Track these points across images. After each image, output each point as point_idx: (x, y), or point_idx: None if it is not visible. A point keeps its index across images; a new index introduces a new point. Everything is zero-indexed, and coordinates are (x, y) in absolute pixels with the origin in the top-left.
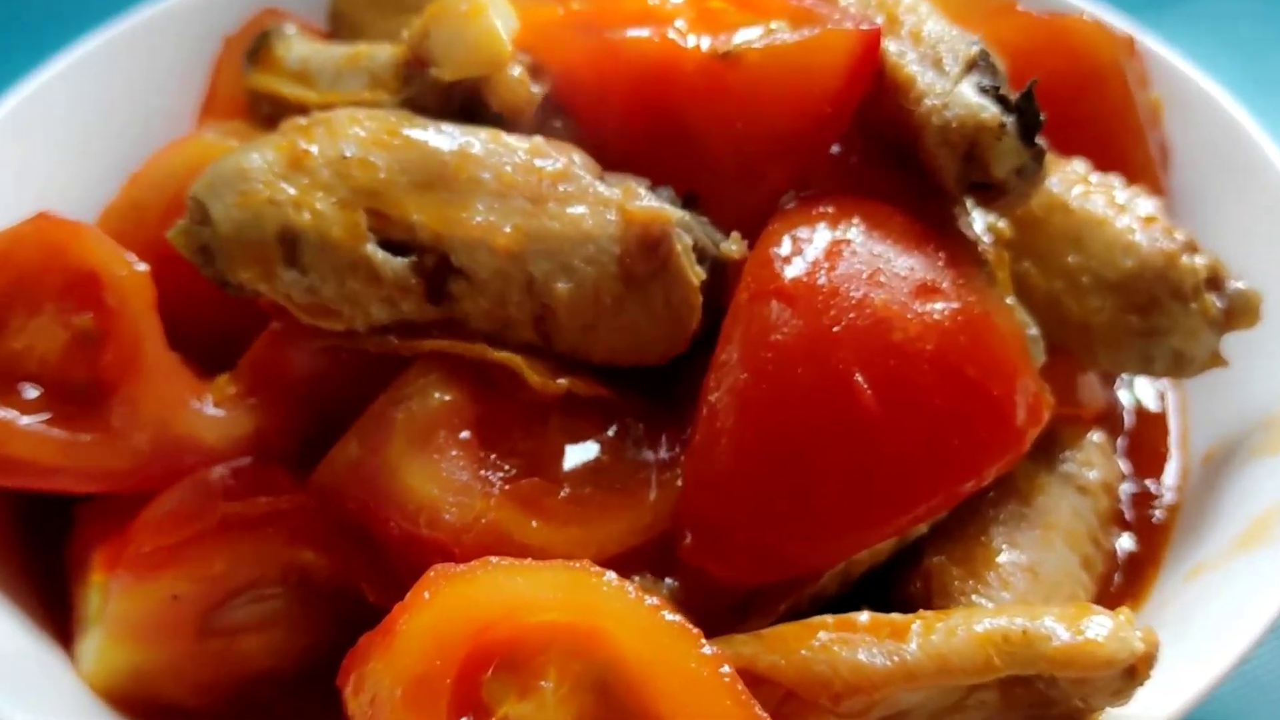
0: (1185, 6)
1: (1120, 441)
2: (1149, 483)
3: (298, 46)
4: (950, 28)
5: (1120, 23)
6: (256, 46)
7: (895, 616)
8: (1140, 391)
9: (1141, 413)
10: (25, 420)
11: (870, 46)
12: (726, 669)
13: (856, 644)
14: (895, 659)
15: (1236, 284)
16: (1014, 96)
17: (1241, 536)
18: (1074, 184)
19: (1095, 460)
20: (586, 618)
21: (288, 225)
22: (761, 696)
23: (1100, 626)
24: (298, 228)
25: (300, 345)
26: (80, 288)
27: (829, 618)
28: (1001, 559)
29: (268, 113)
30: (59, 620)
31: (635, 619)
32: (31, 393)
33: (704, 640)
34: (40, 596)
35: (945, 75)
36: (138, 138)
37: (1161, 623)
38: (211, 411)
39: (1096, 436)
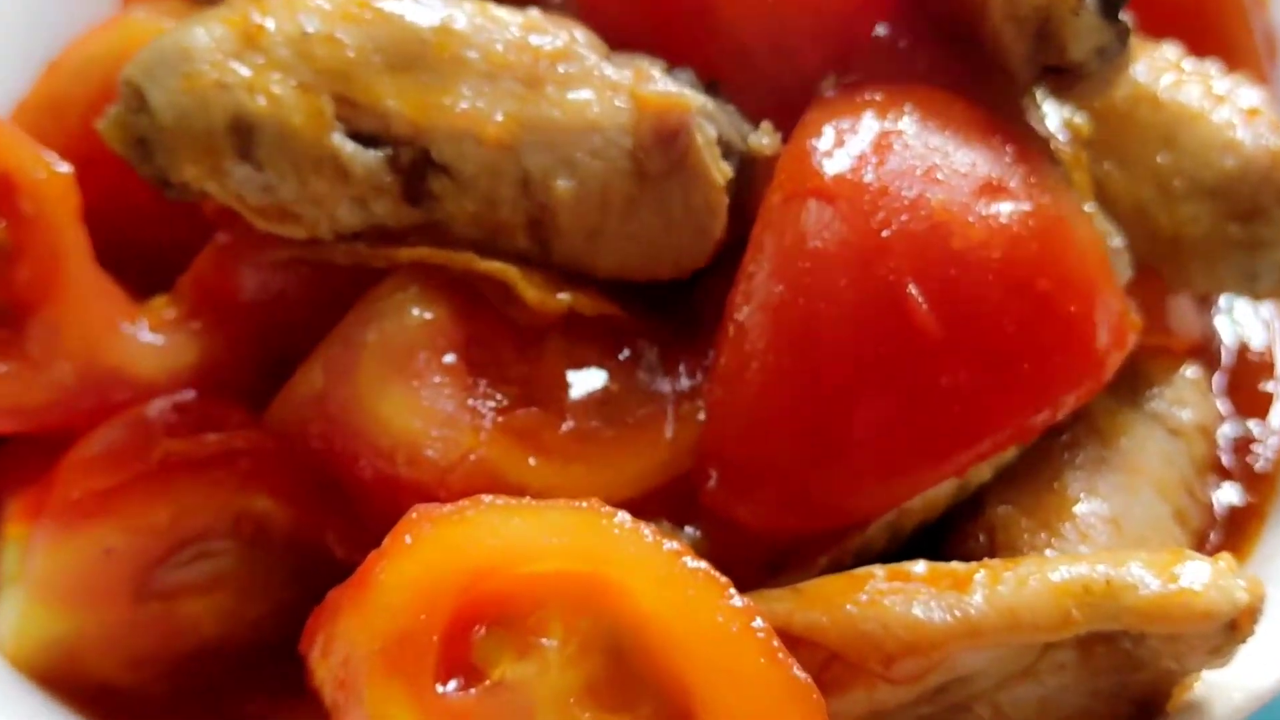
0: None
1: (1218, 378)
2: (1252, 425)
3: None
4: None
5: None
6: None
7: (957, 565)
8: (1242, 318)
9: (1242, 345)
10: None
11: None
12: (760, 622)
13: (912, 596)
14: (957, 613)
15: None
16: None
17: None
18: (1164, 71)
19: (1189, 398)
20: (596, 566)
21: (241, 112)
22: (800, 660)
23: (1197, 573)
24: (252, 115)
25: (254, 257)
26: None
27: (879, 568)
28: (1079, 508)
29: None
30: None
31: (652, 567)
32: None
33: (733, 592)
34: None
35: None
36: (54, 20)
37: (1267, 580)
38: (148, 337)
39: (1190, 371)
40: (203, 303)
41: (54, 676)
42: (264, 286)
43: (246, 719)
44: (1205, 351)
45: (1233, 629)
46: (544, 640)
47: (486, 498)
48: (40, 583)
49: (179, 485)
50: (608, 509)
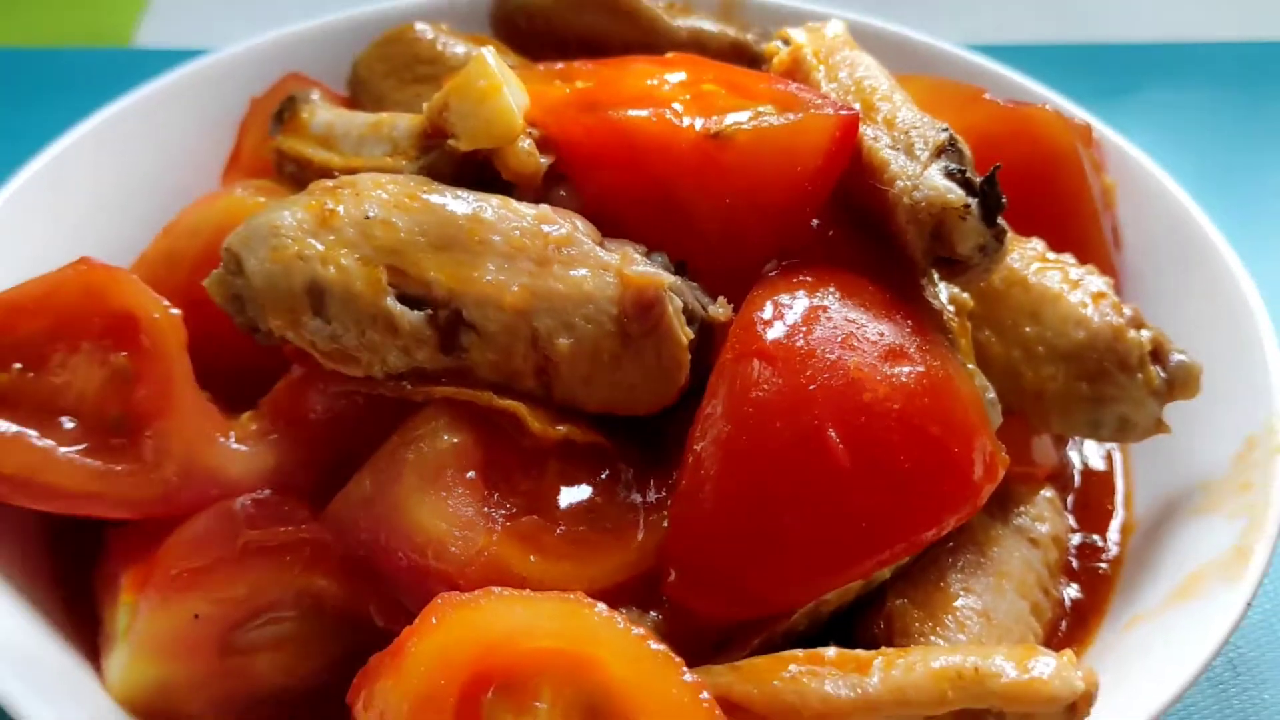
0: (1138, 96)
1: (1069, 498)
2: (1095, 537)
3: (322, 112)
4: (921, 115)
5: (1078, 112)
6: (283, 110)
7: (859, 652)
8: (1089, 452)
9: (1089, 473)
10: (63, 450)
11: (848, 131)
12: (705, 695)
13: (824, 676)
14: (858, 691)
15: (1179, 356)
16: (978, 180)
17: (1177, 590)
18: (1032, 261)
19: (1046, 515)
20: (579, 645)
21: (315, 279)
22: None
23: (1045, 666)
24: (324, 281)
25: (320, 388)
26: (117, 328)
27: (799, 652)
28: (958, 603)
29: (291, 172)
30: (87, 636)
31: (624, 647)
32: (69, 424)
33: (685, 669)
34: (69, 613)
35: (916, 160)
36: (169, 191)
37: (1102, 668)
38: (235, 446)
39: (1048, 493)
40: (280, 420)
41: (153, 714)
42: (327, 410)
43: None
44: (1060, 478)
45: (1072, 711)
46: (537, 703)
47: (496, 589)
48: (144, 639)
49: (255, 566)
50: (589, 600)
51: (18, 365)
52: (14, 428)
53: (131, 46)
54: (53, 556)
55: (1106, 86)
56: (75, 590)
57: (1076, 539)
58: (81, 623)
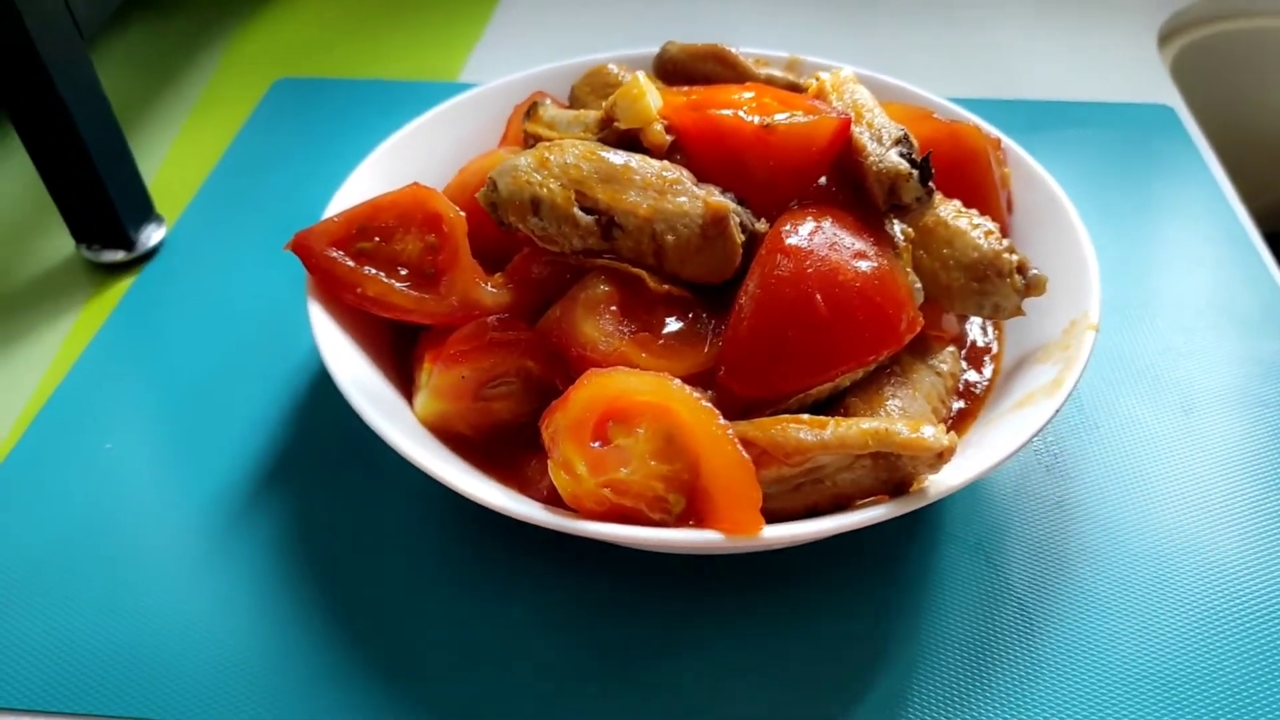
0: (1043, 134)
1: (963, 351)
2: (974, 374)
3: (551, 110)
4: (889, 120)
5: (991, 129)
6: (530, 110)
7: (822, 418)
8: (975, 325)
9: (973, 340)
10: (399, 285)
11: (845, 126)
12: (730, 431)
13: (800, 428)
14: (818, 437)
15: (1034, 271)
16: (919, 159)
17: (1019, 402)
18: (951, 211)
19: (948, 360)
20: (664, 400)
21: (535, 195)
22: (746, 450)
23: (927, 429)
24: (540, 197)
25: (537, 258)
26: (431, 221)
27: (788, 416)
28: (888, 403)
29: (533, 143)
30: (406, 388)
31: (689, 402)
32: (403, 272)
33: (721, 417)
34: (399, 376)
35: (882, 145)
36: (467, 153)
37: (972, 444)
38: (490, 290)
39: (950, 348)
40: (514, 276)
41: (438, 429)
42: (539, 271)
43: (513, 452)
44: (958, 339)
45: (940, 457)
46: (638, 429)
47: (621, 368)
48: (435, 390)
49: (496, 352)
50: (671, 377)
51: (377, 238)
52: (375, 271)
53: (457, 81)
54: (392, 343)
55: (1019, 125)
56: (402, 362)
57: (966, 376)
58: (404, 380)
